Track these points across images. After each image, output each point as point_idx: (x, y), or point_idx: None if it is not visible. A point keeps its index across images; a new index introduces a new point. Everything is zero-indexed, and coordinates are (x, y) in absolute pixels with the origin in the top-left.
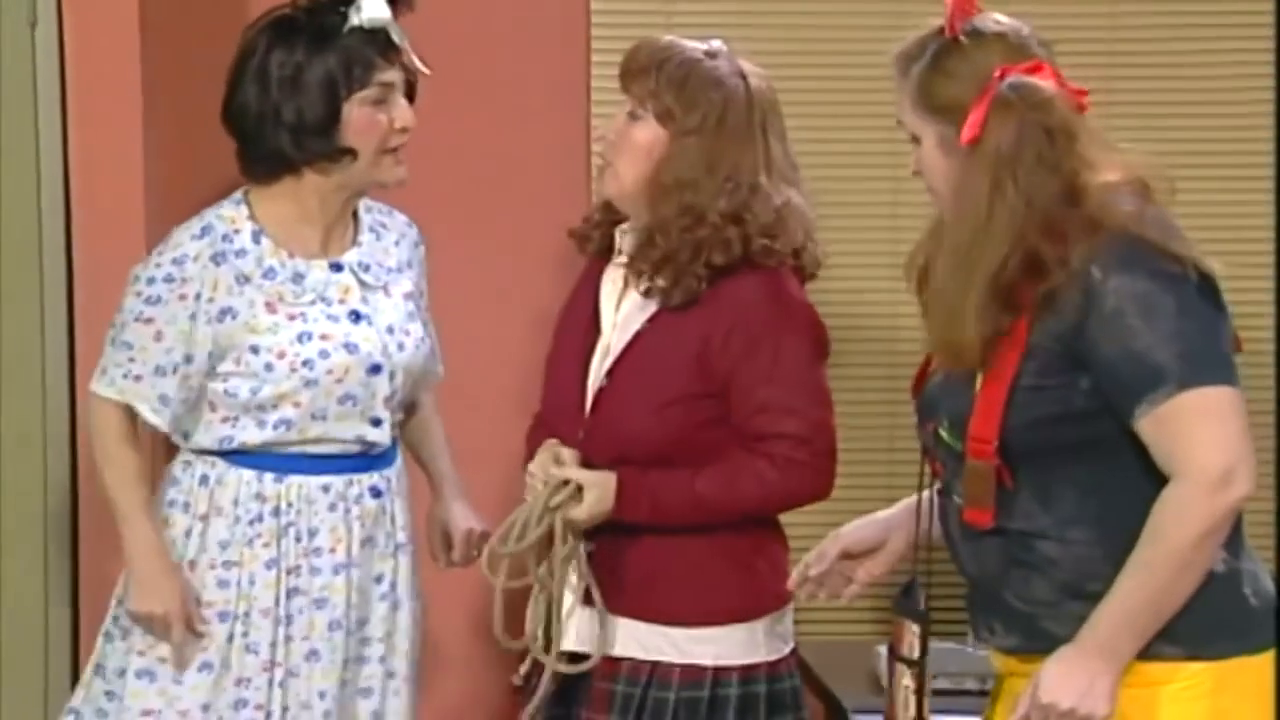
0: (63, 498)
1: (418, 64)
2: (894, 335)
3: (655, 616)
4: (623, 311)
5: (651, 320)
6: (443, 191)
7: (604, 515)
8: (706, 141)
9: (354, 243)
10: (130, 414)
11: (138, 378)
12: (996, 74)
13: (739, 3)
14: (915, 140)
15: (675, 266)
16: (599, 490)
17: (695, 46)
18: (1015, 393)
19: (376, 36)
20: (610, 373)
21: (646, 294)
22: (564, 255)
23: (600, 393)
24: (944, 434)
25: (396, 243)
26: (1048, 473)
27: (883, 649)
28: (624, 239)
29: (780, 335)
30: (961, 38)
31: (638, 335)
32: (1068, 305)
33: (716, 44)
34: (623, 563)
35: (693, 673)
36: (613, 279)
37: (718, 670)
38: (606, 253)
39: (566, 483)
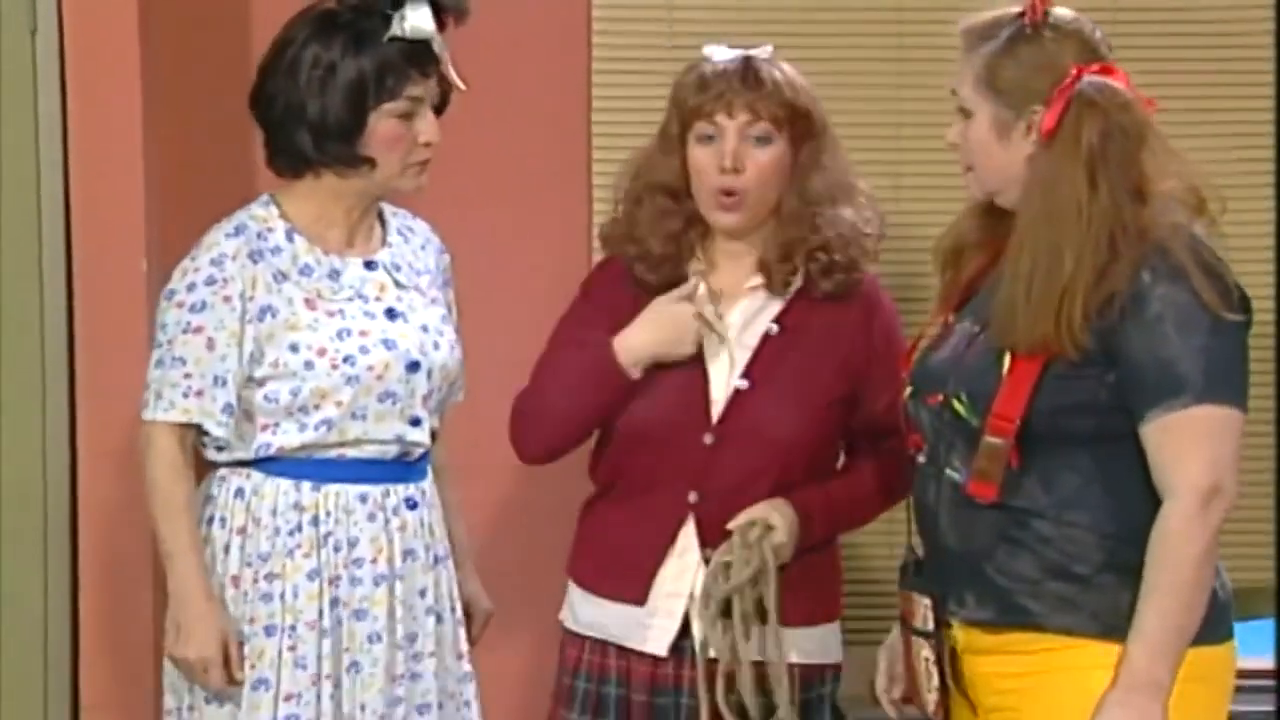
0: (62, 505)
1: (455, 79)
2: None
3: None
4: (737, 314)
5: (779, 320)
6: (443, 196)
7: (795, 540)
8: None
9: (384, 243)
10: (182, 439)
11: (199, 393)
12: (1073, 71)
13: (739, 3)
14: (964, 114)
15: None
16: (780, 512)
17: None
18: (1046, 377)
19: (416, 47)
20: (746, 374)
21: (783, 285)
22: (564, 258)
23: (736, 396)
24: (960, 407)
25: (423, 247)
26: (1056, 457)
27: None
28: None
29: (900, 330)
30: (1039, 28)
31: (767, 337)
32: (1114, 303)
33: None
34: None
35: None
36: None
37: (824, 669)
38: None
39: (752, 524)
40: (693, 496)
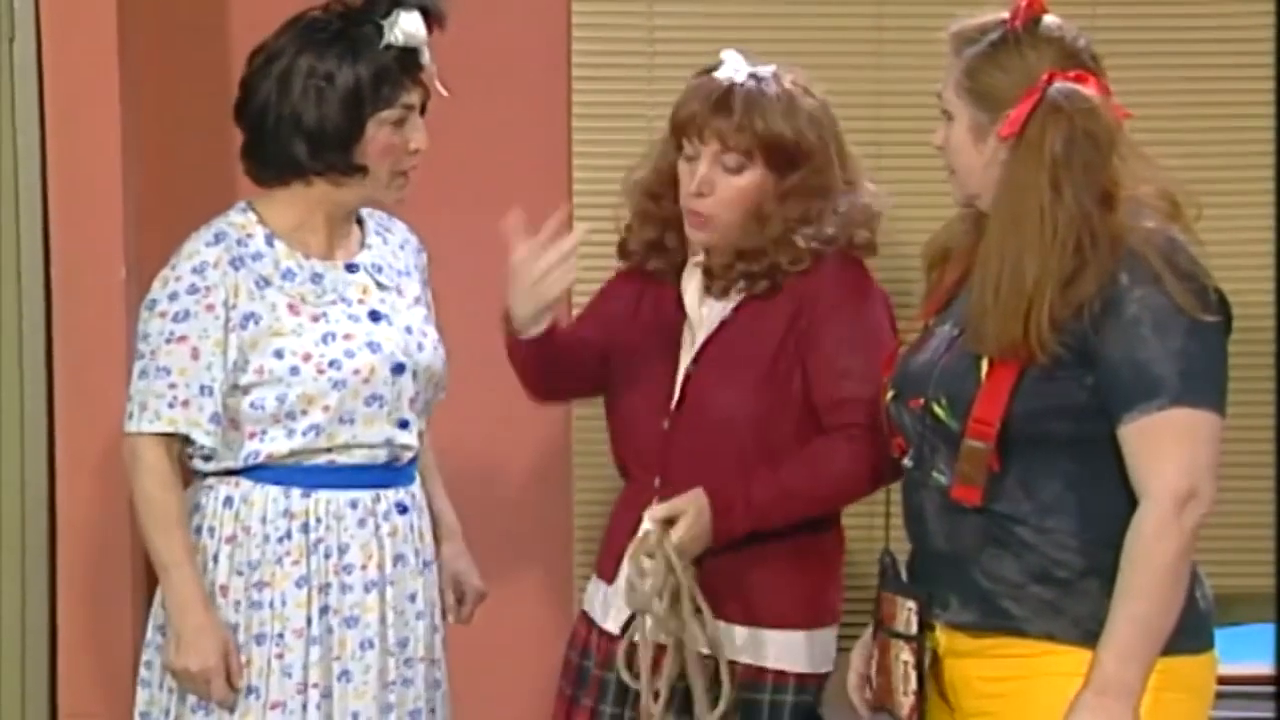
0: (40, 514)
1: (438, 86)
2: None
3: (734, 617)
4: (707, 307)
5: (737, 309)
6: (424, 202)
7: (704, 531)
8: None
9: (364, 245)
10: (169, 449)
11: (185, 403)
12: (1045, 77)
13: (719, 4)
14: (948, 116)
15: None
16: (691, 505)
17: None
18: (1024, 380)
19: (408, 55)
20: (696, 359)
21: (724, 292)
22: None
23: (687, 381)
24: (940, 411)
25: (401, 247)
26: (1036, 461)
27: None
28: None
29: (860, 303)
30: (1021, 33)
31: (723, 323)
32: (1090, 305)
33: (767, 69)
34: (704, 569)
35: (752, 674)
36: (695, 282)
37: (777, 675)
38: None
39: (648, 533)
40: (657, 481)
